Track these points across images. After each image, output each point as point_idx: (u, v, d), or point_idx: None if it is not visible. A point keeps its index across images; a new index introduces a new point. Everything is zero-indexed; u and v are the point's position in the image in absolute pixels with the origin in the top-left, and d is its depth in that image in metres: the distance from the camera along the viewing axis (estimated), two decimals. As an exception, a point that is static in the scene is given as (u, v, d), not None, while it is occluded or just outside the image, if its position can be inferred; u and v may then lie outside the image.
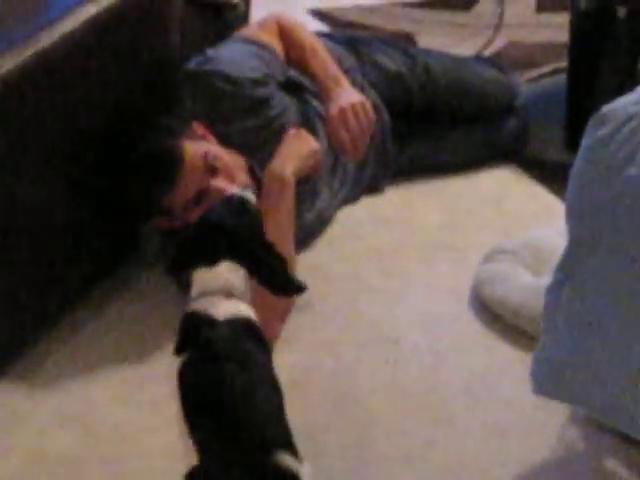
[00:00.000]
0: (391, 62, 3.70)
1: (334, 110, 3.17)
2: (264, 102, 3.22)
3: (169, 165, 2.91)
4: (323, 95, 3.29)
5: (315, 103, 3.46)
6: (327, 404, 2.75)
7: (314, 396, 2.75)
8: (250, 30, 3.41)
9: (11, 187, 2.68)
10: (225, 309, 2.10)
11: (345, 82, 3.28)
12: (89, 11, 2.74)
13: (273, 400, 2.08)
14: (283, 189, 2.99)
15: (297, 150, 3.08)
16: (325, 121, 3.33)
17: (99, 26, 2.75)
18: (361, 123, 3.16)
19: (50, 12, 2.74)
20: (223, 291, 2.13)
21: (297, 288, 2.23)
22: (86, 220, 3.03)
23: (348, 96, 3.21)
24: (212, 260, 2.14)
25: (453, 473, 2.51)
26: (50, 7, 2.79)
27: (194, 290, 2.18)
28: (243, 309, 2.15)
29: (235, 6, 3.93)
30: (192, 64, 3.21)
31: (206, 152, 2.97)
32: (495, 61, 4.32)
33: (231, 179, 2.98)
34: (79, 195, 2.96)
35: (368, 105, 3.21)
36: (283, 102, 3.31)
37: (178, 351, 2.15)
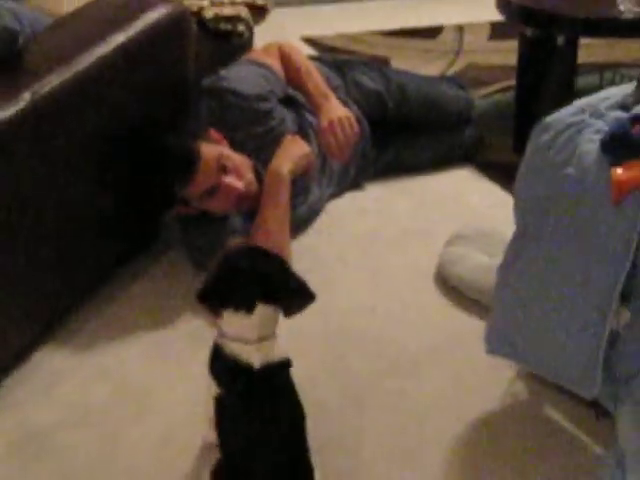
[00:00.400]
0: (371, 82, 3.72)
1: (324, 122, 3.20)
2: (267, 114, 3.24)
3: (188, 163, 2.93)
4: (315, 109, 3.33)
5: (308, 116, 3.47)
6: (317, 361, 2.75)
7: (307, 354, 2.74)
8: (256, 54, 3.44)
9: (61, 182, 2.68)
10: (259, 357, 2.05)
11: (334, 99, 3.33)
12: (119, 38, 2.74)
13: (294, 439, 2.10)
14: (281, 185, 3.03)
15: (293, 153, 3.12)
16: (317, 130, 3.37)
17: (127, 51, 2.75)
18: (346, 133, 3.20)
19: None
20: (257, 340, 2.07)
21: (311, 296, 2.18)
22: (121, 209, 3.04)
23: (336, 110, 3.25)
24: (248, 307, 2.03)
25: (421, 418, 2.51)
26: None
27: (228, 329, 2.09)
28: (271, 351, 2.10)
29: (241, 34, 3.93)
30: (208, 81, 3.26)
31: (219, 154, 2.99)
32: (456, 80, 4.32)
33: (239, 177, 3.02)
34: (115, 189, 2.97)
35: (352, 118, 3.25)
36: (282, 114, 3.33)
37: (212, 372, 2.11)
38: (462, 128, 3.93)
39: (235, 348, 2.07)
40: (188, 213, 3.13)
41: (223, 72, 3.32)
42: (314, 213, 3.50)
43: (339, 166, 3.56)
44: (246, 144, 3.19)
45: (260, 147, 3.21)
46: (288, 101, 3.45)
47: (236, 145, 3.14)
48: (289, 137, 3.21)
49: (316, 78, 3.40)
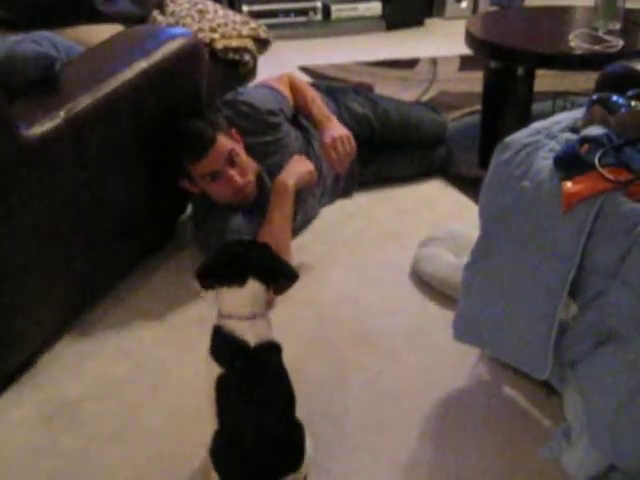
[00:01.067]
0: (360, 107, 3.73)
1: (327, 139, 3.22)
2: (274, 126, 3.27)
3: (202, 142, 2.95)
4: (319, 128, 3.34)
5: (311, 138, 3.50)
6: (308, 344, 2.75)
7: (299, 338, 2.74)
8: (270, 81, 3.47)
9: (93, 185, 2.68)
10: (254, 335, 2.05)
11: (335, 120, 3.34)
12: (142, 65, 2.73)
13: (286, 413, 2.09)
14: (286, 195, 3.05)
15: (298, 170, 3.14)
16: (318, 150, 3.41)
17: (149, 75, 2.74)
18: (346, 148, 3.21)
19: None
20: (249, 316, 2.06)
21: (296, 275, 2.19)
22: (143, 211, 3.05)
23: (337, 129, 3.27)
24: (240, 280, 2.05)
25: (395, 396, 2.50)
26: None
27: (224, 308, 2.08)
28: (265, 331, 2.09)
29: (247, 63, 3.93)
30: (228, 96, 3.32)
31: (232, 148, 3.01)
32: (430, 105, 4.32)
33: (242, 174, 3.05)
34: (139, 192, 2.99)
35: (351, 136, 3.25)
36: (288, 129, 3.36)
37: (212, 352, 2.10)
38: (436, 146, 3.93)
39: (231, 325, 2.06)
40: (192, 191, 3.14)
41: (242, 90, 3.42)
42: (308, 220, 3.51)
43: (331, 180, 3.58)
44: (253, 149, 3.19)
45: (265, 154, 3.23)
46: (294, 122, 3.47)
47: (247, 150, 3.16)
48: (296, 156, 3.23)
49: (319, 104, 3.43)
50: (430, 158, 3.91)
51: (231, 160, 3.01)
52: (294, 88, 3.47)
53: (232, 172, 3.01)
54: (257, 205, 3.12)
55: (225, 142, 3.00)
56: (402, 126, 3.81)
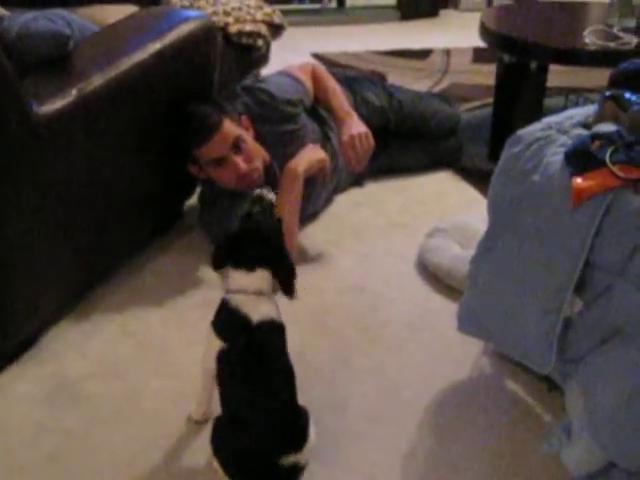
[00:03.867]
0: (376, 98, 3.73)
1: (346, 136, 3.21)
2: (291, 117, 3.26)
3: (207, 126, 2.94)
4: (338, 123, 3.34)
5: (328, 130, 3.49)
6: (313, 331, 2.75)
7: (304, 325, 2.75)
8: (293, 69, 3.45)
9: (102, 163, 2.69)
10: (257, 312, 2.09)
11: (355, 116, 3.33)
12: (155, 46, 2.73)
13: (287, 391, 2.10)
14: (295, 180, 3.05)
15: (310, 157, 3.14)
16: (335, 143, 3.42)
17: (162, 56, 2.74)
18: (364, 146, 3.21)
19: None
20: (256, 292, 2.11)
21: (292, 294, 2.21)
22: (153, 191, 3.05)
23: (357, 126, 3.26)
24: (251, 266, 2.11)
25: (398, 386, 2.51)
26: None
27: (232, 284, 2.13)
28: (269, 310, 2.12)
29: (260, 48, 3.93)
30: (248, 82, 3.38)
31: (239, 134, 3.00)
32: (443, 96, 4.32)
33: (248, 161, 3.02)
34: (148, 172, 2.99)
35: (370, 134, 3.24)
36: (305, 121, 3.34)
37: (214, 325, 2.15)
38: (447, 138, 3.93)
39: (237, 299, 2.10)
40: (198, 175, 3.14)
41: (263, 77, 3.44)
42: (316, 213, 3.49)
43: (346, 173, 3.56)
44: (268, 138, 3.19)
45: (279, 143, 3.21)
46: (313, 114, 3.46)
47: (259, 138, 3.15)
48: (310, 145, 3.22)
49: (341, 98, 3.42)
50: (441, 149, 3.91)
51: (237, 146, 3.00)
52: (316, 79, 3.46)
53: (237, 159, 2.99)
54: None
55: (231, 128, 2.99)
56: (416, 117, 3.81)
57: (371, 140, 3.23)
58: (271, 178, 3.12)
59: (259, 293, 2.11)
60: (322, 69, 3.55)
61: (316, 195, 3.36)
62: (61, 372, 2.56)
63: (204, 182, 3.21)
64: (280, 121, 3.24)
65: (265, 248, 2.14)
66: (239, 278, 2.12)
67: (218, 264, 2.19)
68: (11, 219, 2.36)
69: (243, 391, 2.05)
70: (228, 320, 2.12)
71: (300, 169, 3.07)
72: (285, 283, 2.18)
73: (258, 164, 3.07)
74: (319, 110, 3.49)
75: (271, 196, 2.36)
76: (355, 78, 3.88)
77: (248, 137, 3.07)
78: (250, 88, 3.28)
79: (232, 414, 2.07)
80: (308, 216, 3.36)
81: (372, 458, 2.25)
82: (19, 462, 2.23)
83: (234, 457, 2.04)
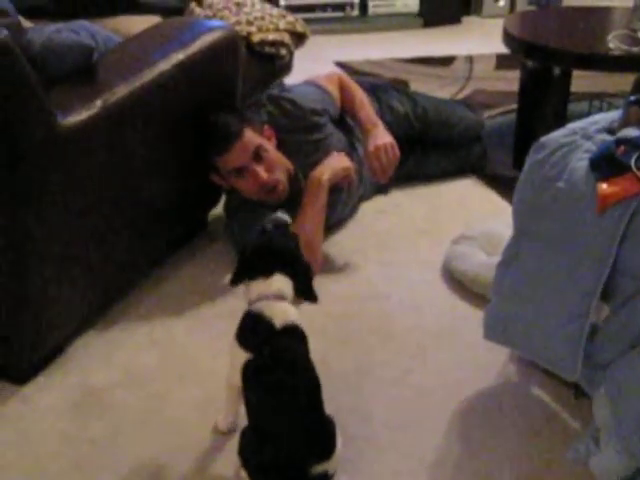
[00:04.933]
0: (401, 106, 3.72)
1: (371, 146, 3.21)
2: (316, 126, 3.26)
3: (227, 136, 2.94)
4: (364, 133, 3.33)
5: (355, 140, 3.48)
6: (338, 339, 2.75)
7: (329, 333, 2.74)
8: (320, 79, 3.45)
9: (128, 173, 2.70)
10: (280, 315, 2.09)
11: (381, 126, 3.32)
12: (179, 56, 2.73)
13: (313, 399, 2.10)
14: (320, 189, 3.06)
15: (335, 165, 3.14)
16: (361, 153, 3.40)
17: (186, 67, 2.75)
18: (389, 158, 3.20)
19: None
20: (276, 295, 2.11)
21: (314, 297, 2.22)
22: (176, 201, 3.05)
23: (382, 137, 3.25)
24: (267, 273, 2.12)
25: (423, 394, 2.50)
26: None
27: (252, 295, 2.14)
28: (292, 314, 2.12)
29: (283, 57, 3.93)
30: (273, 91, 3.36)
31: (260, 144, 3.00)
32: (467, 103, 4.31)
33: (269, 172, 3.02)
34: (173, 181, 2.99)
35: (395, 145, 3.23)
36: (330, 131, 3.33)
37: (238, 337, 2.14)
38: (471, 145, 3.91)
39: (259, 306, 2.11)
40: (221, 184, 3.14)
41: (288, 86, 3.44)
42: (344, 218, 3.48)
43: (372, 181, 3.54)
44: (293, 147, 3.18)
45: (304, 153, 3.20)
46: (340, 123, 3.45)
47: (284, 147, 3.15)
48: (335, 153, 3.21)
49: (367, 107, 3.41)
50: (465, 156, 3.89)
51: (258, 156, 2.99)
52: (343, 89, 3.45)
53: (258, 168, 2.98)
54: (289, 203, 3.07)
55: (252, 137, 2.98)
56: (440, 124, 3.80)
57: (397, 151, 3.22)
58: (296, 188, 3.11)
59: (280, 297, 2.12)
60: (348, 78, 3.54)
61: (342, 204, 3.35)
62: (86, 382, 2.56)
63: (229, 192, 3.21)
64: (305, 130, 3.23)
65: (279, 256, 2.15)
66: (259, 285, 2.13)
67: (235, 281, 2.21)
68: (37, 230, 2.37)
69: (270, 401, 2.05)
70: (252, 328, 2.12)
71: (324, 178, 3.07)
72: (304, 286, 2.18)
73: (280, 174, 3.06)
74: (346, 119, 3.49)
75: (286, 218, 2.36)
76: (380, 85, 3.88)
77: (270, 146, 3.06)
78: (275, 97, 3.27)
79: (260, 425, 2.06)
80: (333, 224, 3.35)
81: (397, 467, 2.24)
82: (45, 471, 2.23)
83: (264, 468, 2.03)
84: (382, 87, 3.84)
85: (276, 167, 3.05)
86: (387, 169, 3.22)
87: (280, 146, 3.14)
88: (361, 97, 3.44)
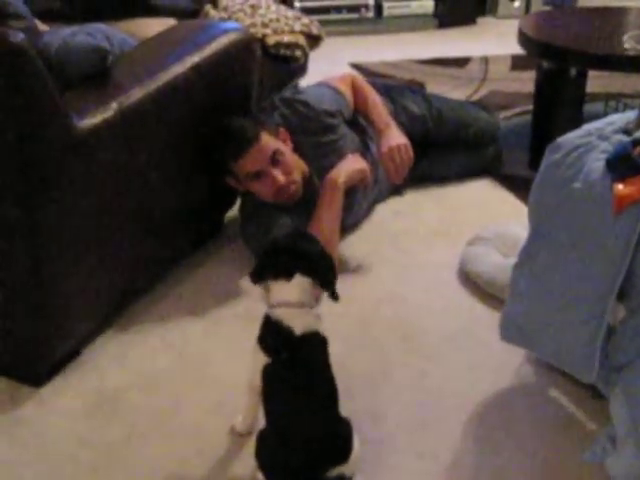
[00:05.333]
0: (416, 107, 3.71)
1: (385, 147, 3.21)
2: (330, 128, 3.25)
3: (243, 140, 2.94)
4: (377, 135, 3.33)
5: (369, 141, 3.48)
6: (353, 341, 2.75)
7: (345, 335, 2.74)
8: (333, 80, 3.45)
9: (144, 176, 2.71)
10: (300, 324, 2.08)
11: (394, 127, 3.32)
12: (194, 59, 2.74)
13: (330, 404, 2.11)
14: (335, 191, 3.05)
15: (351, 167, 3.14)
16: (375, 154, 3.39)
17: (201, 70, 2.75)
18: (403, 159, 3.20)
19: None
20: (296, 303, 2.10)
21: (336, 297, 2.19)
22: (191, 203, 3.05)
23: (396, 138, 3.25)
24: (289, 274, 2.10)
25: (439, 395, 2.50)
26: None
27: (273, 298, 2.12)
28: (312, 321, 2.12)
29: (298, 59, 3.93)
30: (286, 93, 3.36)
31: (277, 148, 2.99)
32: (482, 104, 4.31)
33: (286, 174, 3.01)
34: (188, 184, 2.99)
35: (409, 146, 3.23)
36: (344, 132, 3.32)
37: (260, 341, 2.14)
38: (487, 145, 3.90)
39: (280, 313, 2.09)
40: (237, 188, 3.14)
41: (301, 88, 3.45)
42: (357, 222, 3.48)
43: (386, 184, 3.54)
44: (307, 149, 3.18)
45: (318, 155, 3.20)
46: (353, 124, 3.44)
47: (298, 149, 3.15)
48: (350, 155, 3.21)
49: (380, 108, 3.40)
50: (481, 157, 3.88)
51: (275, 159, 2.98)
52: (356, 90, 3.44)
53: (275, 171, 2.98)
54: (305, 205, 3.10)
55: (269, 141, 2.98)
56: (455, 125, 3.79)
57: (410, 152, 3.22)
58: (310, 190, 3.11)
59: (301, 305, 2.10)
60: (362, 80, 3.54)
61: (358, 205, 3.35)
62: (102, 384, 2.57)
63: (244, 194, 3.21)
64: (319, 132, 3.23)
65: (302, 257, 2.13)
66: (280, 290, 2.11)
67: (257, 277, 2.18)
68: (52, 232, 2.37)
69: (287, 405, 2.05)
70: (271, 334, 2.11)
71: (340, 180, 3.06)
72: (326, 286, 2.16)
73: (297, 176, 3.06)
74: (359, 120, 3.48)
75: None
76: (395, 87, 3.88)
77: (286, 149, 3.06)
78: (288, 99, 3.27)
79: (277, 428, 2.07)
80: (349, 226, 3.35)
81: (413, 468, 2.24)
82: (60, 474, 2.24)
83: (280, 471, 2.04)
84: (396, 88, 3.85)
85: (293, 170, 3.04)
86: (401, 170, 3.22)
87: (294, 148, 3.14)
88: (374, 98, 3.43)
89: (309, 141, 3.20)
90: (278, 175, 2.98)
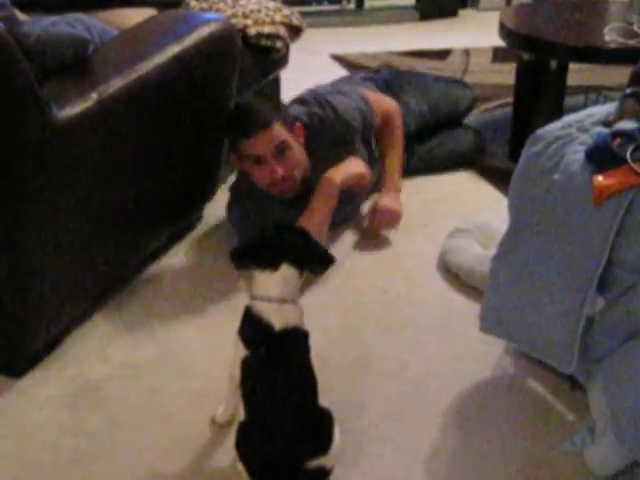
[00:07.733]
0: (415, 103, 3.77)
1: (382, 204, 3.30)
2: (345, 143, 3.26)
3: (255, 122, 2.94)
4: (384, 185, 3.40)
5: (373, 164, 3.45)
6: (333, 334, 2.75)
7: (326, 326, 2.74)
8: (373, 96, 3.48)
9: (123, 166, 2.70)
10: (280, 319, 2.08)
11: (399, 193, 3.40)
12: (175, 49, 2.73)
13: (308, 397, 2.11)
14: (330, 191, 3.07)
15: (350, 169, 3.16)
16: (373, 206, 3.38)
17: (181, 60, 2.74)
18: (388, 225, 3.30)
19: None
20: (279, 299, 2.10)
21: (332, 260, 2.23)
22: (173, 191, 3.05)
23: (394, 203, 3.32)
24: (275, 265, 2.10)
25: (420, 385, 2.51)
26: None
27: (257, 290, 2.12)
28: (293, 317, 2.12)
29: (279, 50, 3.91)
30: (323, 92, 3.39)
31: (286, 139, 2.99)
32: (462, 81, 4.40)
33: (286, 169, 3.00)
34: (168, 174, 2.99)
35: (400, 217, 3.30)
36: (357, 147, 3.32)
37: (240, 333, 2.15)
38: (464, 131, 4.00)
39: (260, 307, 2.10)
40: (239, 167, 3.17)
41: (339, 86, 3.50)
42: (347, 217, 3.47)
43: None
44: (318, 151, 3.18)
45: (327, 159, 3.17)
46: (365, 139, 3.43)
47: (310, 148, 3.15)
48: (352, 158, 3.22)
49: (396, 157, 3.46)
50: (460, 150, 3.89)
51: (280, 151, 2.97)
52: (386, 121, 3.47)
53: (275, 163, 2.97)
54: (296, 200, 3.10)
55: (280, 131, 2.97)
56: (444, 107, 3.91)
57: (397, 220, 3.29)
58: (306, 189, 3.11)
59: (283, 301, 2.10)
60: (399, 118, 3.53)
61: (352, 208, 3.39)
62: (83, 375, 2.57)
63: (241, 173, 3.22)
64: (335, 142, 3.21)
65: (288, 245, 2.13)
66: (263, 282, 2.12)
67: (239, 262, 2.19)
68: (32, 223, 2.37)
69: (266, 397, 2.06)
70: (251, 327, 2.12)
71: (337, 180, 3.07)
72: (319, 256, 2.21)
73: (296, 174, 3.05)
74: (370, 139, 3.49)
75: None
76: (395, 82, 3.87)
77: (295, 145, 3.05)
78: (321, 100, 3.27)
79: (256, 419, 2.07)
80: (338, 223, 3.34)
81: (394, 459, 2.25)
82: (42, 464, 2.24)
83: (260, 462, 2.05)
84: (396, 82, 3.87)
85: (296, 166, 3.04)
86: (379, 230, 3.31)
87: (306, 146, 3.14)
88: (397, 139, 3.49)
89: (324, 145, 3.20)
90: (277, 168, 2.96)
